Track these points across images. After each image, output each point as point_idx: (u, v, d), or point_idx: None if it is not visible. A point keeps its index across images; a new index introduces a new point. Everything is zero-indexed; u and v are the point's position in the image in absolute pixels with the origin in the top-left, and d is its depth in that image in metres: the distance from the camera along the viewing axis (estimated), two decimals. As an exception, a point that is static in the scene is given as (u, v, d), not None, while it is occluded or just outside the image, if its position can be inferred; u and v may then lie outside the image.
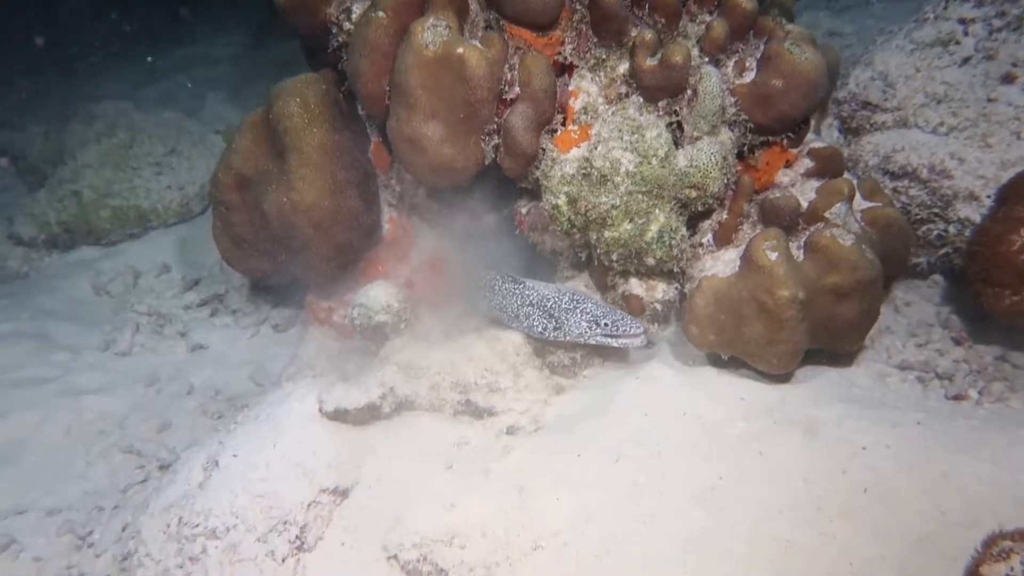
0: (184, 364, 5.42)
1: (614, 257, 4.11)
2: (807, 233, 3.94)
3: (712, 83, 3.92)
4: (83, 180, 7.16)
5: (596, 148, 3.96)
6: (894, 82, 4.68)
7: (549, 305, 4.13)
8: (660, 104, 3.99)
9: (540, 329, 4.14)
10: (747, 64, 4.04)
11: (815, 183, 4.20)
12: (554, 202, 4.09)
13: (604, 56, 4.05)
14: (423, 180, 4.48)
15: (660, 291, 4.32)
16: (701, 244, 4.25)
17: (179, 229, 7.29)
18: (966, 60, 4.59)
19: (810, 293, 3.72)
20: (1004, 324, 4.03)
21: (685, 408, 3.77)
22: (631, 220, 3.98)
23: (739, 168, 4.21)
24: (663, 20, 3.97)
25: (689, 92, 3.93)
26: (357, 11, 4.28)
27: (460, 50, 3.84)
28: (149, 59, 10.40)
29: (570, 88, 4.14)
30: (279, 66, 8.59)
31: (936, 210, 4.49)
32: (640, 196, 3.94)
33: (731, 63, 4.07)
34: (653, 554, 3.18)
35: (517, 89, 4.05)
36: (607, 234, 4.03)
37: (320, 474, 3.60)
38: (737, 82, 4.04)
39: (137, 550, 3.48)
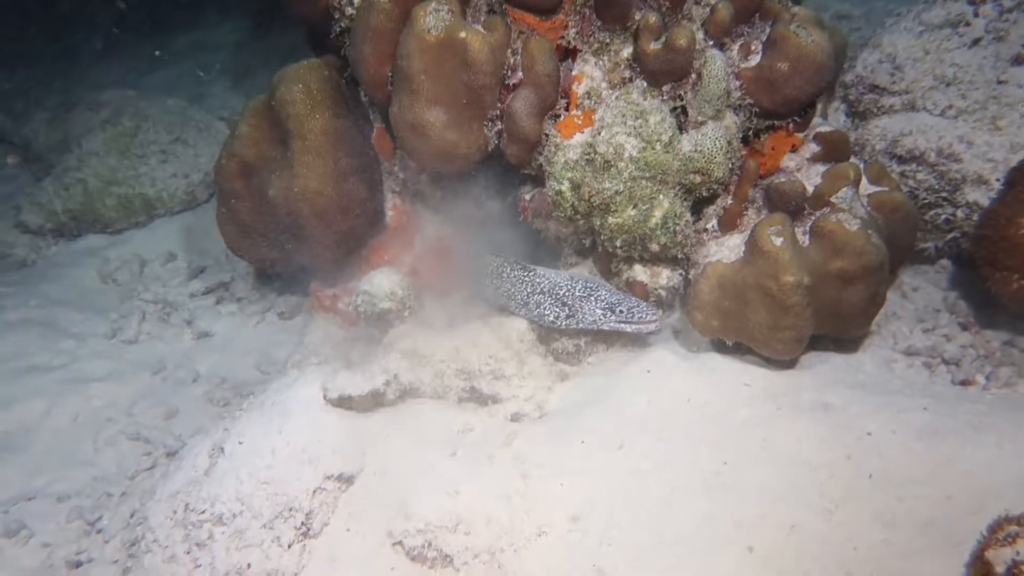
0: (190, 352, 5.44)
1: (618, 243, 4.10)
2: (813, 218, 3.90)
3: (717, 67, 3.88)
4: (88, 168, 7.15)
5: (600, 133, 3.93)
6: (902, 65, 4.62)
7: (562, 293, 4.10)
8: (664, 88, 3.95)
9: (552, 318, 4.10)
10: (752, 47, 4.00)
11: (821, 167, 4.16)
12: (558, 188, 4.07)
13: (608, 40, 4.01)
14: (426, 166, 4.47)
15: (664, 277, 4.30)
16: (706, 230, 4.22)
17: (184, 217, 7.28)
18: (976, 41, 4.52)
19: (815, 278, 3.69)
20: (1012, 309, 4.00)
21: (689, 394, 3.77)
22: (635, 206, 3.95)
23: (744, 153, 4.18)
24: (667, 3, 3.93)
25: (693, 76, 3.89)
26: (359, -4, 4.24)
27: (463, 35, 3.81)
28: (157, 53, 10.36)
29: (573, 73, 4.10)
30: (284, 53, 8.57)
31: (944, 194, 4.45)
32: (644, 182, 3.91)
33: (736, 46, 4.02)
34: (657, 540, 3.19)
35: (520, 74, 4.02)
36: (611, 220, 4.01)
37: (325, 461, 3.62)
38: (742, 66, 4.00)
39: (145, 536, 3.52)
